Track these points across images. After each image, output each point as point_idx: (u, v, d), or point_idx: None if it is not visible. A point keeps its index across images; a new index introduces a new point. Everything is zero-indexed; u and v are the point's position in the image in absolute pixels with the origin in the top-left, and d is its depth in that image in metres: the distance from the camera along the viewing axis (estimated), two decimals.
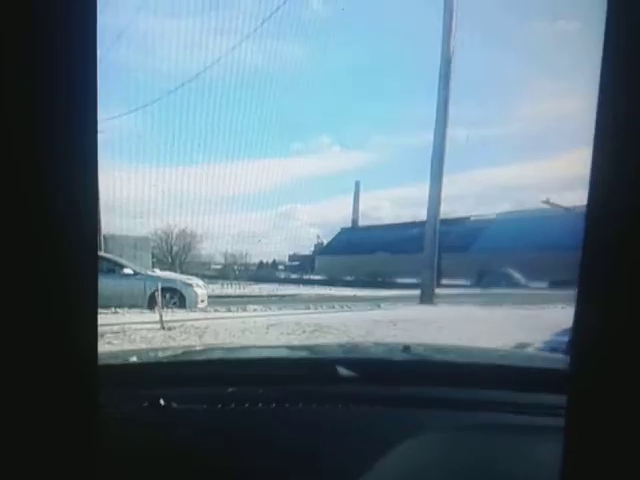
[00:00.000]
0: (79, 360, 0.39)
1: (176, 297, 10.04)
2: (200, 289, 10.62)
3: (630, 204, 0.33)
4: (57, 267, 0.37)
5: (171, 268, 24.21)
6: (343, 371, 0.98)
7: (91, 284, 0.39)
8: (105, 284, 8.76)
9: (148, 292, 9.73)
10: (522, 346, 5.61)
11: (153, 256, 20.50)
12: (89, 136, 0.37)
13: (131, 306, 9.19)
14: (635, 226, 0.33)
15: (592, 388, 0.34)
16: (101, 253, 10.71)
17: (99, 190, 0.39)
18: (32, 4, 0.35)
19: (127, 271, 10.26)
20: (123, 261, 10.77)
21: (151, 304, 9.32)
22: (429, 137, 12.30)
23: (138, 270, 10.49)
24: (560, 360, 1.70)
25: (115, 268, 10.06)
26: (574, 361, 0.35)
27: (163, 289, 9.45)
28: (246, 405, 0.90)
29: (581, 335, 0.35)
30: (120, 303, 8.84)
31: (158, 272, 11.70)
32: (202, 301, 10.38)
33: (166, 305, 9.25)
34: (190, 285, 10.52)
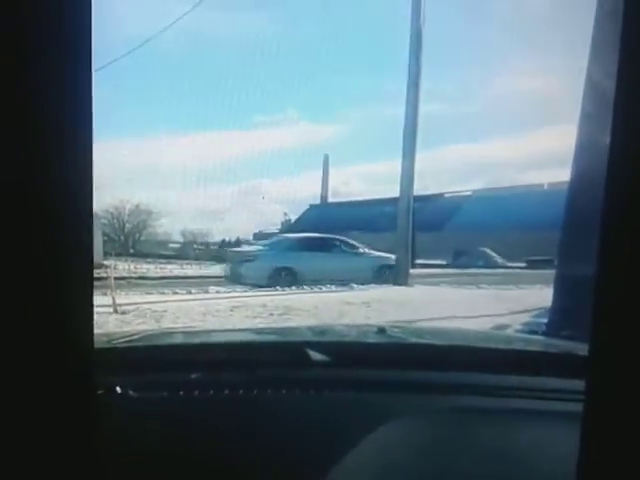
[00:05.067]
0: (74, 345, 0.40)
1: (390, 273, 12.36)
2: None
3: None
4: (52, 251, 0.39)
5: (124, 247, 23.71)
6: (314, 355, 0.97)
7: (86, 270, 0.40)
8: (342, 261, 12.20)
9: (375, 268, 12.66)
10: (500, 327, 5.74)
11: (104, 234, 19.99)
12: (83, 125, 0.39)
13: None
14: None
15: (612, 373, 0.35)
16: (338, 236, 14.08)
17: (92, 174, 0.40)
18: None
19: (359, 251, 13.15)
20: (355, 242, 13.62)
21: (377, 279, 12.01)
22: (401, 111, 12.32)
23: (366, 250, 13.28)
24: (540, 342, 1.76)
25: (349, 248, 13.12)
26: (593, 345, 0.35)
27: (384, 266, 12.59)
28: (211, 392, 0.88)
29: (600, 318, 0.35)
30: (352, 278, 11.33)
31: (377, 252, 13.66)
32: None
33: (383, 281, 11.69)
34: None
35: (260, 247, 13.30)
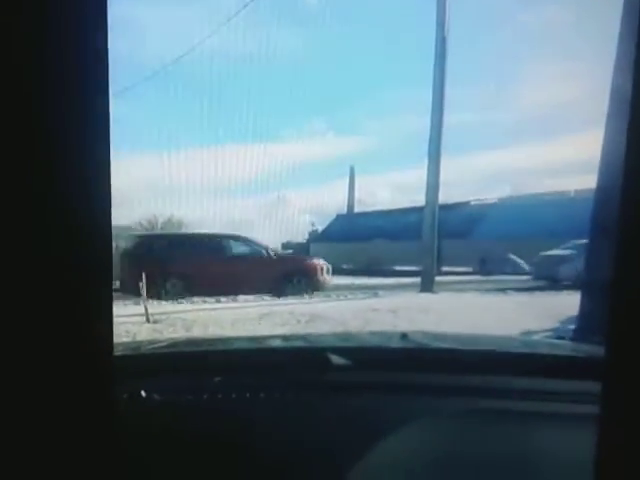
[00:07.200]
0: (94, 352, 0.40)
1: None
2: None
3: None
4: (72, 259, 0.38)
5: None
6: (336, 359, 0.96)
7: (106, 275, 0.40)
8: None
9: None
10: (527, 334, 5.52)
11: None
12: (101, 128, 0.39)
13: None
14: None
15: (630, 375, 0.34)
16: None
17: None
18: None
19: None
20: None
21: None
22: (426, 121, 12.14)
23: None
24: (566, 347, 1.67)
25: None
26: (609, 347, 0.35)
27: None
28: (233, 395, 0.87)
29: (617, 320, 0.35)
30: None
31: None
32: None
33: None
34: None
35: (567, 251, 14.11)
